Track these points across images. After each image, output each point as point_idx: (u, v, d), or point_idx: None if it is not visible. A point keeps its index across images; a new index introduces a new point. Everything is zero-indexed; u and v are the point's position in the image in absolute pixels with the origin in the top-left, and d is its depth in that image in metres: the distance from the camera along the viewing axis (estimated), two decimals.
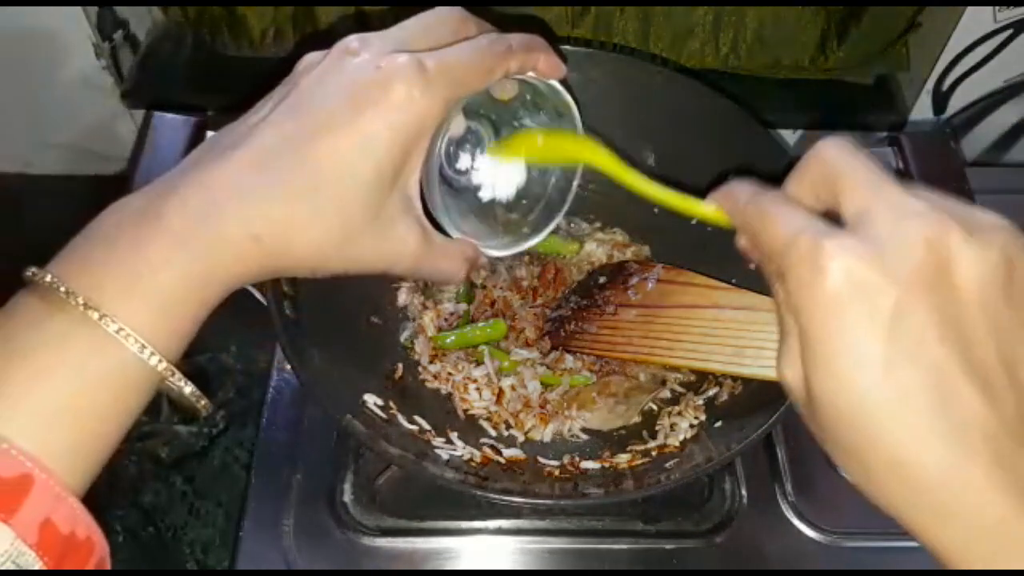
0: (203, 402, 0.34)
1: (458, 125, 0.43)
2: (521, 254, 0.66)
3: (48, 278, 0.31)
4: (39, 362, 0.30)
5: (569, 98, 0.44)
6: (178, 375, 0.33)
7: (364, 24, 0.73)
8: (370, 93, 0.35)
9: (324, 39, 0.38)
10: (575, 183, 0.49)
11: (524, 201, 0.49)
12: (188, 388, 0.34)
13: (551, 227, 0.49)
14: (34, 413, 0.30)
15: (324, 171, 0.35)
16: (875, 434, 0.29)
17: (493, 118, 0.46)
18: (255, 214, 0.34)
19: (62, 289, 0.31)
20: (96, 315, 0.31)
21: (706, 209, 0.37)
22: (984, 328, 0.28)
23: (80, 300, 0.31)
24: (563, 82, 0.43)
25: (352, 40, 0.37)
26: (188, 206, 0.33)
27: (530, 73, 0.41)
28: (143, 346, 0.31)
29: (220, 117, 0.75)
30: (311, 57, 0.38)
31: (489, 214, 0.48)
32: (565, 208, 0.49)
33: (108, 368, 0.31)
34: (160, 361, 0.32)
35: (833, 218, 0.31)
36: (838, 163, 0.31)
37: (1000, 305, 0.28)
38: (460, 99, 0.38)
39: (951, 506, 0.28)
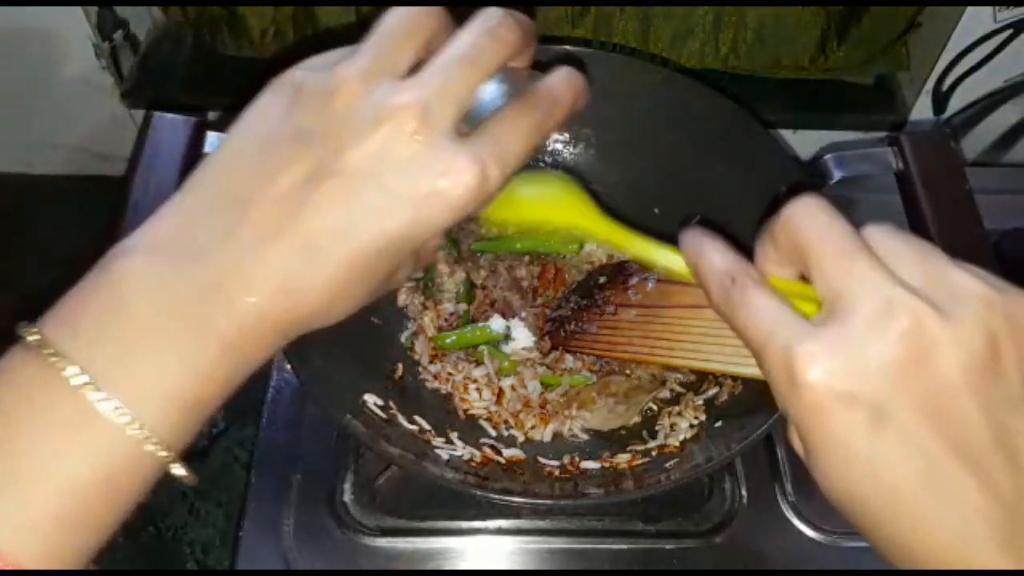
0: (188, 479, 0.32)
1: None
2: (521, 254, 0.66)
3: (53, 358, 0.28)
4: (35, 455, 0.28)
5: None
6: (179, 465, 0.31)
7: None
8: (429, 200, 0.31)
9: (320, 42, 0.36)
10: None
11: None
12: (188, 477, 0.32)
13: None
14: (25, 516, 0.28)
15: (370, 267, 0.32)
16: (875, 523, 0.29)
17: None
18: (296, 316, 0.32)
19: (69, 372, 0.28)
20: (113, 408, 0.28)
21: (678, 266, 0.37)
22: (975, 410, 0.27)
23: (88, 382, 0.28)
24: None
25: (349, 80, 0.32)
26: (240, 316, 0.30)
27: None
28: (156, 444, 0.29)
29: (220, 117, 0.75)
30: (300, 76, 0.33)
31: None
32: None
33: (112, 465, 0.29)
34: (167, 456, 0.30)
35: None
36: (807, 234, 0.30)
37: (988, 383, 0.28)
38: None
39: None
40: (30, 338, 0.29)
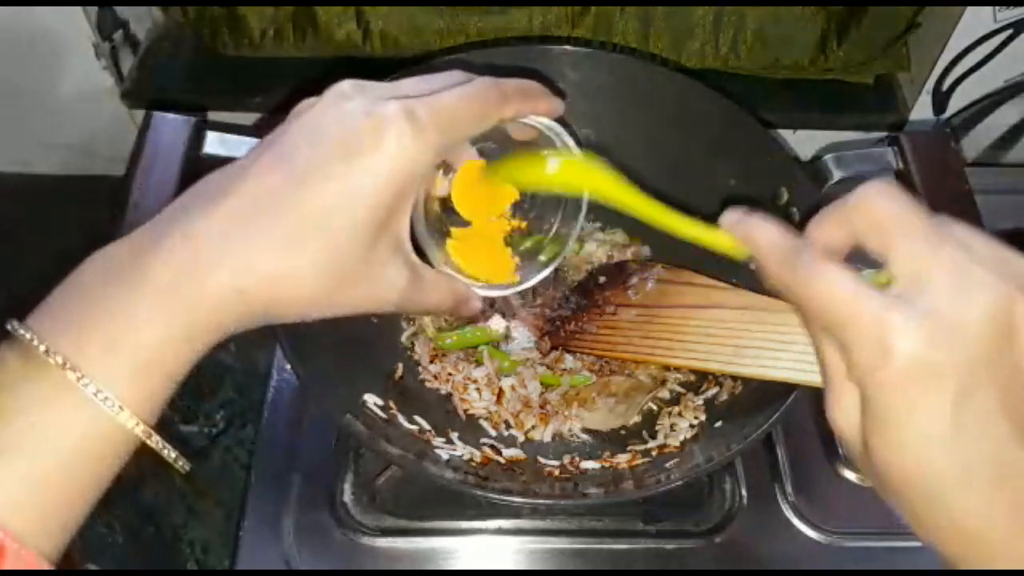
0: (180, 463, 0.34)
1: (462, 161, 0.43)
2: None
3: (28, 336, 0.31)
4: (14, 429, 0.30)
5: (570, 138, 0.42)
6: (155, 438, 0.33)
7: (366, 29, 0.73)
8: (360, 141, 0.34)
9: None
10: (583, 212, 0.46)
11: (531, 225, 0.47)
12: (166, 451, 0.34)
13: (554, 265, 0.47)
14: (8, 486, 0.30)
15: (310, 222, 0.33)
16: (938, 501, 0.29)
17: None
18: (240, 267, 0.33)
19: (42, 348, 0.31)
20: (75, 376, 0.30)
21: (722, 240, 0.36)
22: None
23: (60, 360, 0.30)
24: (560, 120, 0.42)
25: (345, 85, 0.36)
26: (171, 261, 0.32)
27: (531, 117, 0.40)
28: (120, 409, 0.31)
29: (220, 117, 0.75)
30: (305, 103, 0.37)
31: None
32: (573, 236, 0.47)
33: (86, 435, 0.31)
34: (138, 424, 0.32)
35: (859, 253, 0.31)
36: (888, 212, 0.30)
37: None
38: (453, 145, 0.37)
39: (1008, 562, 0.29)
40: (10, 327, 0.32)
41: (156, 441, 0.33)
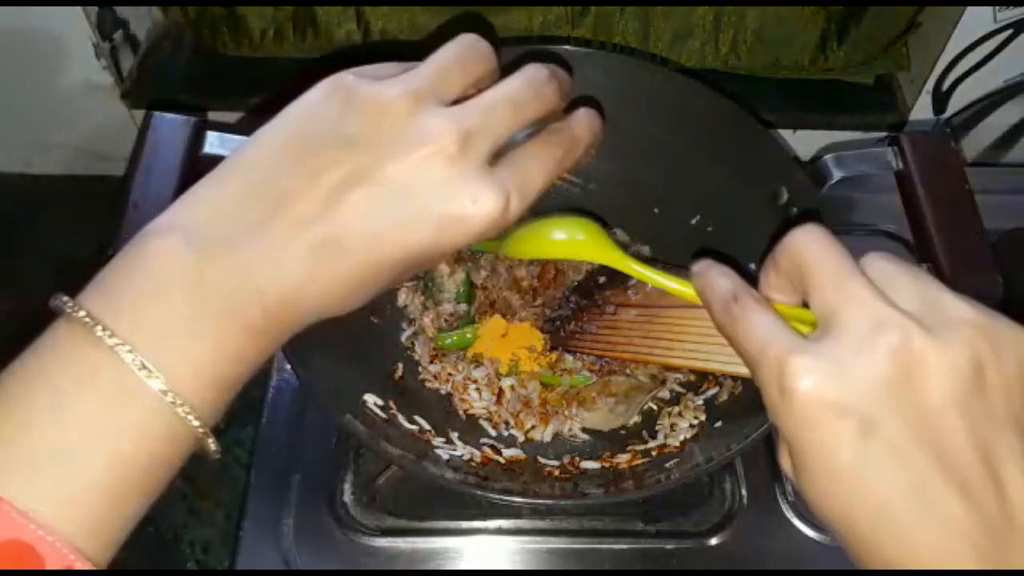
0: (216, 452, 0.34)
1: None
2: None
3: (99, 331, 0.30)
4: (67, 420, 0.29)
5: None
6: (212, 439, 0.33)
7: (366, 29, 0.73)
8: (454, 223, 0.33)
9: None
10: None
11: None
12: (215, 452, 0.33)
13: None
14: (61, 484, 0.29)
15: (388, 272, 0.34)
16: (860, 537, 0.30)
17: None
18: (318, 306, 0.34)
19: (131, 360, 0.30)
20: (157, 384, 0.30)
21: (688, 293, 0.39)
22: (960, 430, 0.28)
23: (158, 386, 0.30)
24: None
25: (401, 98, 0.34)
26: (269, 303, 0.32)
27: None
28: (180, 403, 0.31)
29: (220, 117, 0.75)
30: (364, 92, 0.34)
31: None
32: None
33: (144, 426, 0.30)
34: (195, 421, 0.31)
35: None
36: (807, 256, 0.32)
37: (973, 403, 0.28)
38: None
39: None
40: (78, 314, 0.30)
41: (213, 444, 0.33)
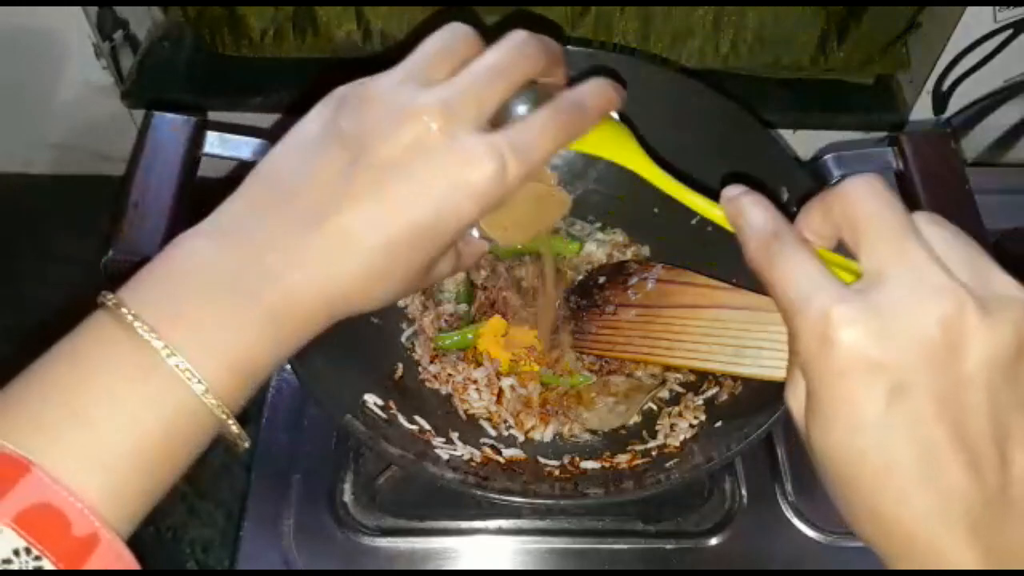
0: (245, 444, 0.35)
1: None
2: (521, 254, 0.66)
3: (130, 318, 0.31)
4: (117, 406, 0.31)
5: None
6: (237, 426, 0.34)
7: (366, 29, 0.73)
8: (452, 190, 0.34)
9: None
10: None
11: None
12: (241, 442, 0.35)
13: None
14: (98, 456, 0.30)
15: (403, 255, 0.35)
16: (861, 490, 0.30)
17: None
18: (337, 295, 0.35)
19: (153, 340, 0.31)
20: (191, 378, 0.31)
21: (717, 214, 0.37)
22: (984, 407, 0.28)
23: (175, 362, 0.31)
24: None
25: (386, 88, 0.36)
26: (286, 289, 0.34)
27: None
28: (206, 389, 0.32)
29: (220, 117, 0.75)
30: (353, 93, 0.36)
31: None
32: None
33: (170, 409, 0.32)
34: (220, 407, 0.33)
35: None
36: (864, 208, 0.31)
37: (1002, 383, 0.28)
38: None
39: (923, 559, 0.29)
40: (108, 301, 0.32)
41: (236, 427, 0.34)
